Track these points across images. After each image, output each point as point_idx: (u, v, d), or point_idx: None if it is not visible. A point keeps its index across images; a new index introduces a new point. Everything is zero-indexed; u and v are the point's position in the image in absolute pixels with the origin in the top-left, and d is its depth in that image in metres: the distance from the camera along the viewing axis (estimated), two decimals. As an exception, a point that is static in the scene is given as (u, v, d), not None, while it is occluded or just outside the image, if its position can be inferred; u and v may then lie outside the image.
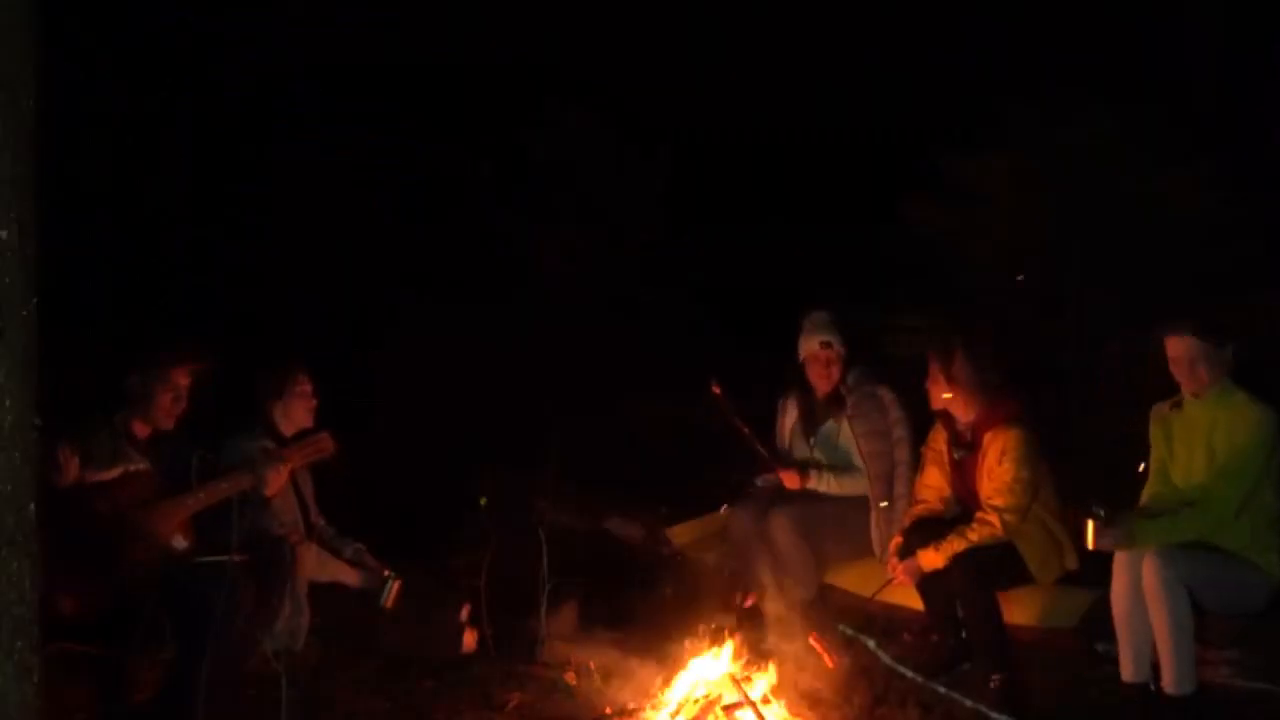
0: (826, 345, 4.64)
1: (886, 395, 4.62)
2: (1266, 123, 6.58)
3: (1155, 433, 3.76)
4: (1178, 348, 3.56)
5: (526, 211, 7.76)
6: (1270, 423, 3.45)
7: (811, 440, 4.73)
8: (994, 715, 3.63)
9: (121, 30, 6.64)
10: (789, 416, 4.86)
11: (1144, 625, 3.45)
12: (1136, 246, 5.63)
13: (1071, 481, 4.15)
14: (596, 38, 8.02)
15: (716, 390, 4.54)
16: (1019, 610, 3.98)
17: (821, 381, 4.69)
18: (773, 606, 4.16)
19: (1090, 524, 3.49)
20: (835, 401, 4.68)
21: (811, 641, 3.78)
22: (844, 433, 4.65)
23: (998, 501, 3.90)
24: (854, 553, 4.54)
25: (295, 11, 7.41)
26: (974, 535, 3.85)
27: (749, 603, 4.42)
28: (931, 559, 3.86)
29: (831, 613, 4.41)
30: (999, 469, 3.95)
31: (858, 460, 4.59)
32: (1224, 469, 3.48)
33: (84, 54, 6.05)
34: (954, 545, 3.84)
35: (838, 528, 4.52)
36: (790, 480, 4.56)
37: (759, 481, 4.72)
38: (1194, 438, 3.59)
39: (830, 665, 3.75)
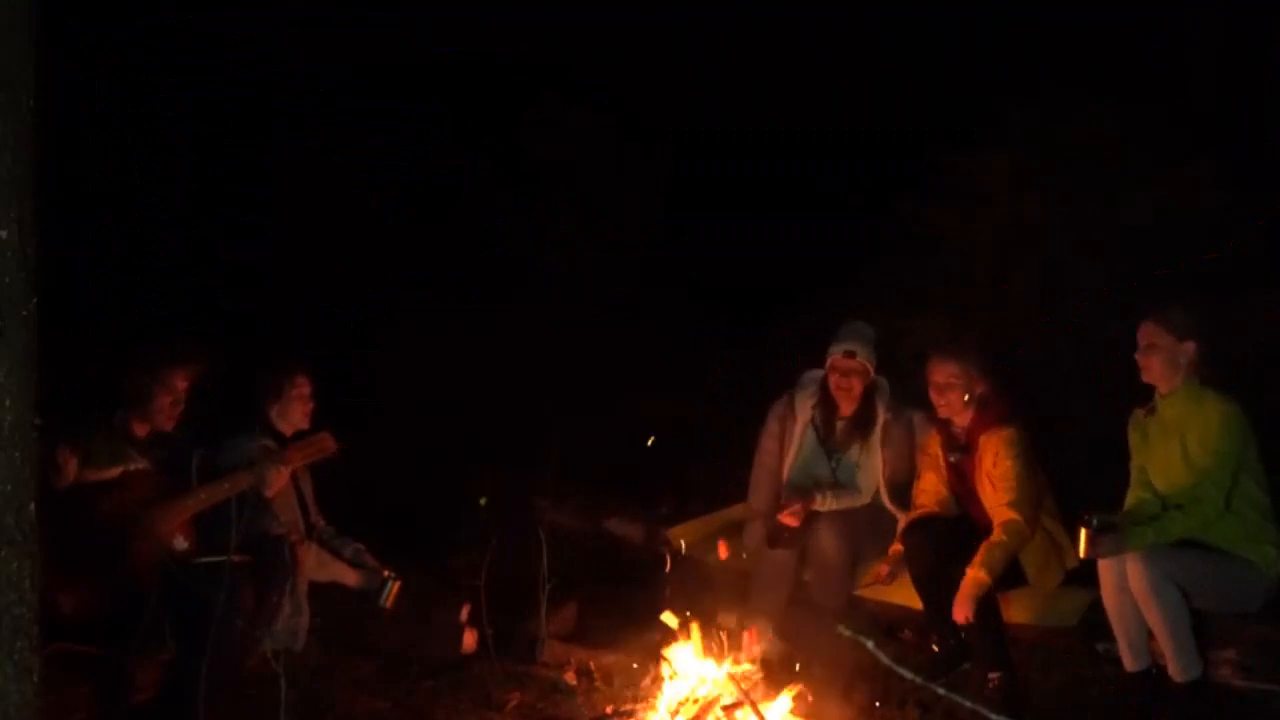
0: (849, 355, 4.40)
1: (917, 418, 4.43)
2: (1266, 123, 6.57)
3: (1133, 439, 3.79)
4: (1140, 335, 3.65)
5: (526, 211, 7.76)
6: (1236, 416, 3.49)
7: (833, 461, 4.54)
8: (994, 715, 3.60)
9: (121, 30, 6.63)
10: (799, 421, 4.57)
11: (1136, 617, 3.48)
12: (1136, 247, 5.63)
13: (1071, 483, 4.14)
14: (596, 38, 8.02)
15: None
16: (1019, 610, 3.99)
17: (842, 396, 4.47)
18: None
19: (1083, 533, 3.50)
20: (860, 424, 4.48)
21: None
22: (866, 455, 4.48)
23: (1006, 499, 3.90)
24: (885, 550, 4.38)
25: (295, 11, 7.41)
26: (1008, 539, 3.81)
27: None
28: (979, 578, 3.76)
29: (861, 620, 4.24)
30: (996, 470, 3.96)
31: (861, 480, 4.48)
32: (1203, 470, 3.50)
33: (84, 54, 6.05)
34: (993, 558, 3.78)
35: (873, 528, 4.43)
36: (792, 520, 4.34)
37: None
38: (1168, 437, 3.62)
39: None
